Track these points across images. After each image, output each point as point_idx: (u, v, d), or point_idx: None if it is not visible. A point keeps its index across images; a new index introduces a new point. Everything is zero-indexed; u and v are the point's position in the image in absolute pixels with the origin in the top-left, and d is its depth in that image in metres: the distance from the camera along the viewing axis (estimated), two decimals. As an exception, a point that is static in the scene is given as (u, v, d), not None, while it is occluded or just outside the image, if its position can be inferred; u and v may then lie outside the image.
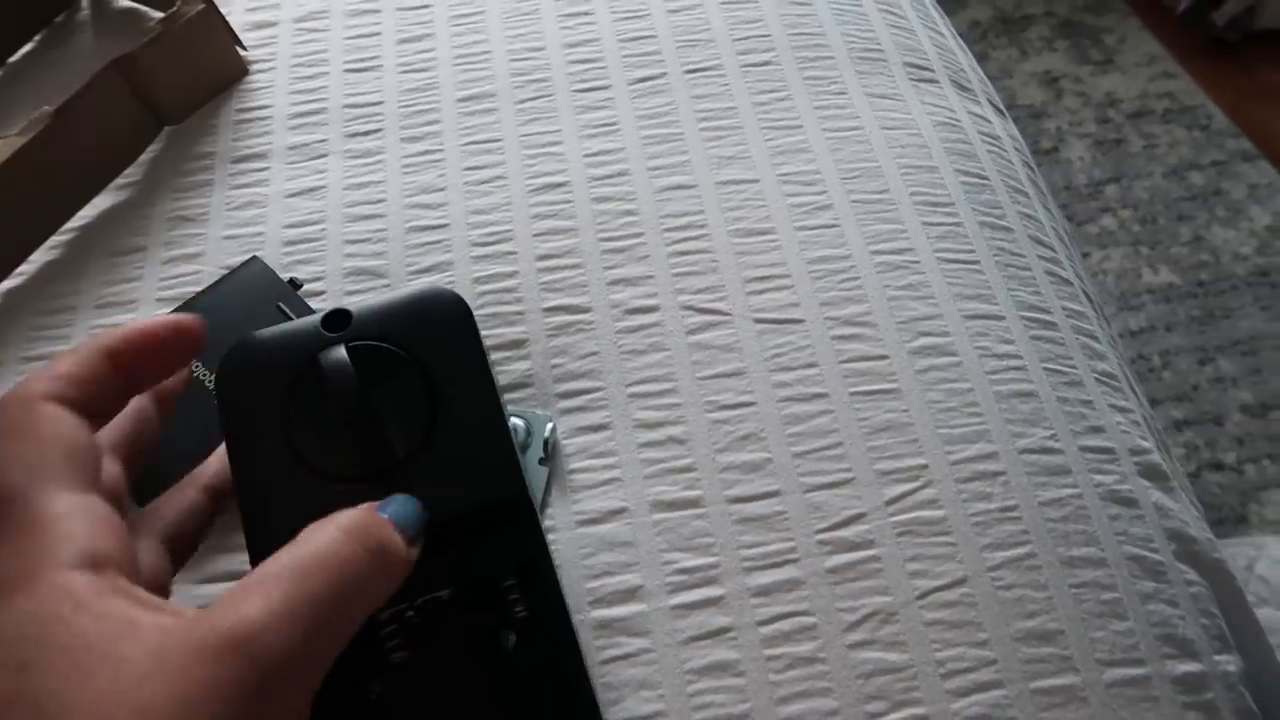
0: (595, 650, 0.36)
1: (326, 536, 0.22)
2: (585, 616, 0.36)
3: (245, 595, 0.20)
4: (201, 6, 0.51)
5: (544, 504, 0.38)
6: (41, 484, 0.21)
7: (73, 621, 0.19)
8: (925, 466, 0.39)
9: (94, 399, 0.24)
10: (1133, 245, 1.44)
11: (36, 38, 0.59)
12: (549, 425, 0.40)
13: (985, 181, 0.49)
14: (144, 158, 0.51)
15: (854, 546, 0.37)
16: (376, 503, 0.24)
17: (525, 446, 0.39)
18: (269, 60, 0.55)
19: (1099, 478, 0.40)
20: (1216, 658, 0.37)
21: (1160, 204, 1.49)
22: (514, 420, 0.39)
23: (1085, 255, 1.41)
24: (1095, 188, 1.52)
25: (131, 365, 0.25)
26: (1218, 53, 1.65)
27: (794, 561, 0.37)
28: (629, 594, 0.37)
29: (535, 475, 0.39)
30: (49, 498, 0.21)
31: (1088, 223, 1.46)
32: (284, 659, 0.19)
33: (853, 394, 0.41)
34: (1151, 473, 0.41)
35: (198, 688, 0.19)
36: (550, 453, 0.39)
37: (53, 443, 0.22)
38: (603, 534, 0.38)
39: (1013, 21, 1.76)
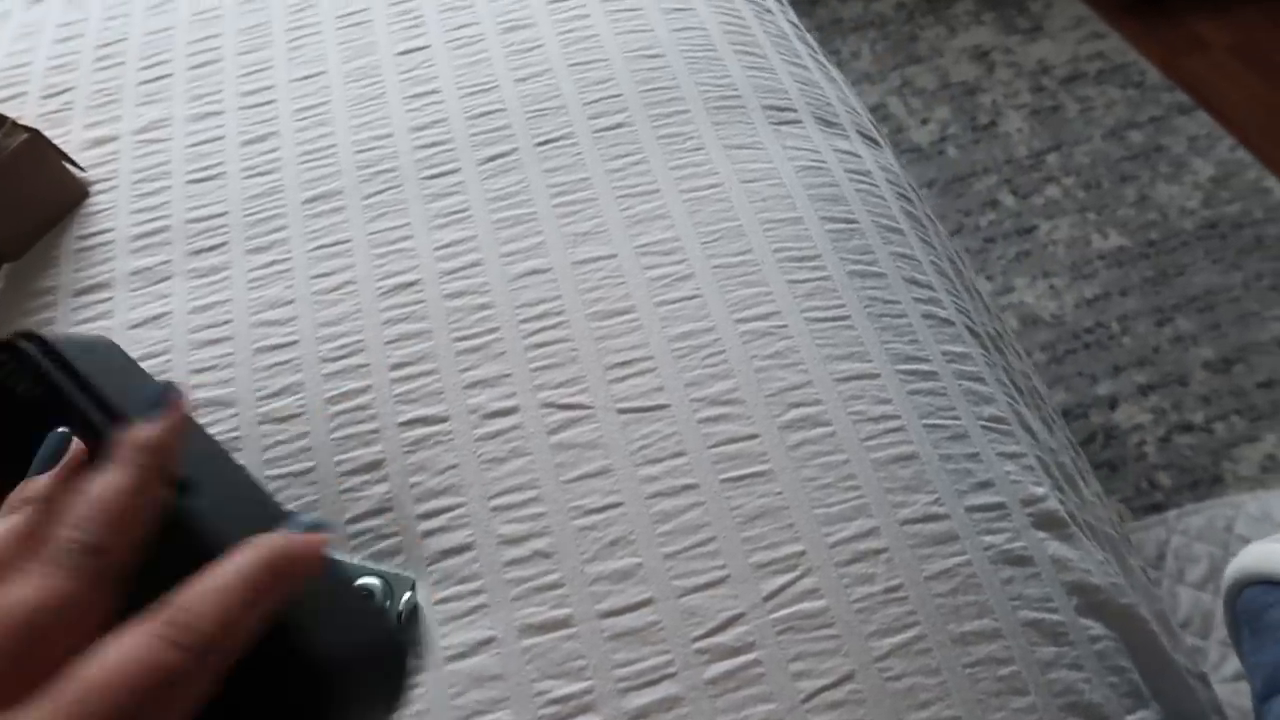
0: (468, 800, 0.34)
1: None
2: (456, 763, 0.34)
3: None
4: (25, 136, 0.49)
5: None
6: None
7: None
8: (803, 553, 0.37)
9: None
10: (1080, 212, 1.42)
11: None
12: (407, 593, 0.37)
13: (854, 225, 0.47)
14: (-17, 302, 0.49)
15: (733, 652, 0.35)
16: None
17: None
18: (110, 179, 0.53)
19: (989, 539, 0.38)
20: (1129, 717, 0.35)
21: (1102, 167, 1.47)
22: (370, 580, 0.37)
23: (1033, 228, 1.39)
24: (1037, 158, 1.51)
25: None
26: (1143, 8, 1.64)
27: (671, 676, 0.35)
28: (500, 734, 0.35)
29: None
30: None
31: (1033, 194, 1.45)
32: None
33: (723, 480, 0.39)
34: (1047, 522, 0.39)
35: None
36: (406, 622, 0.37)
37: None
38: (471, 669, 0.36)
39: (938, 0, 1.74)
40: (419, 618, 0.37)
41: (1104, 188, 1.48)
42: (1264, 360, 1.29)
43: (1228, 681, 0.89)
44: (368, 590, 0.36)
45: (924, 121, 1.62)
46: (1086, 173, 1.50)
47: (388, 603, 0.36)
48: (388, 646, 0.30)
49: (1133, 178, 1.48)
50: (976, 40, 1.74)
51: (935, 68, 1.70)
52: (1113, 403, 1.29)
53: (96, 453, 0.28)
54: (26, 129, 0.49)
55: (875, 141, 0.53)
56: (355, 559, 0.38)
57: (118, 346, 0.34)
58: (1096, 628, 0.37)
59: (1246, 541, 1.07)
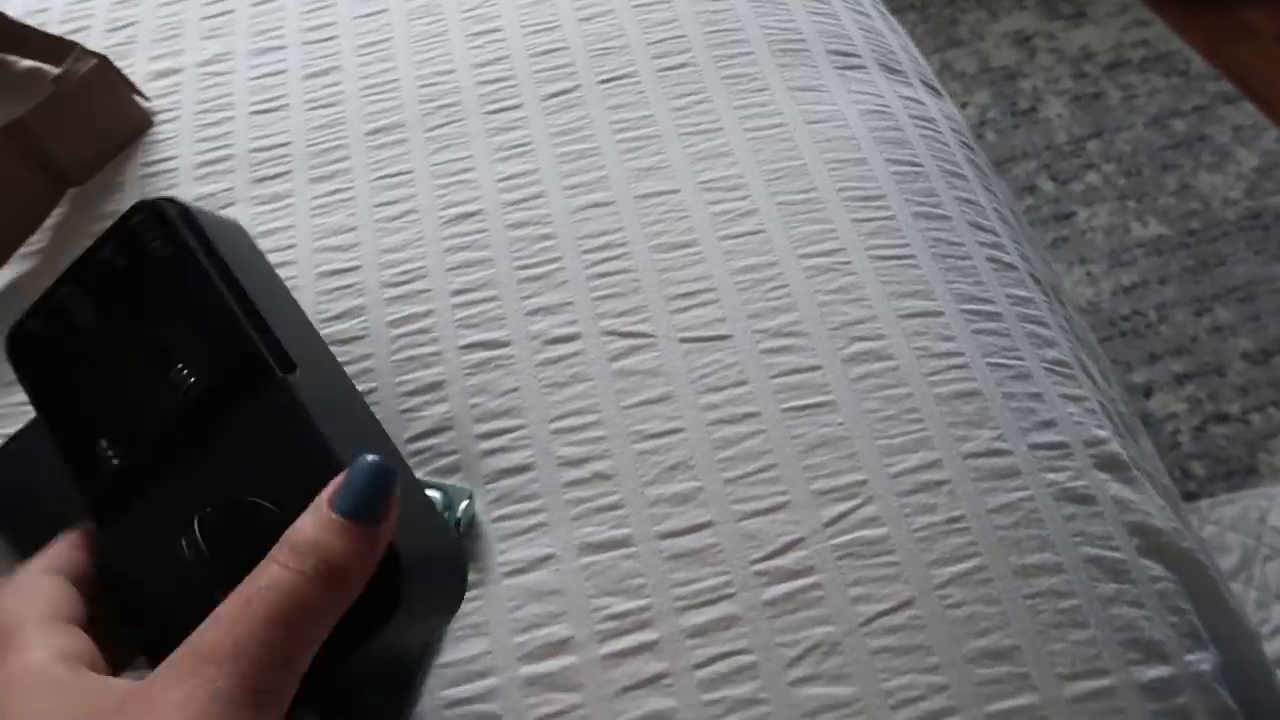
0: (526, 710, 0.34)
1: (272, 571, 0.24)
2: (514, 674, 0.34)
3: (195, 645, 0.23)
4: (94, 62, 0.50)
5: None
6: (22, 623, 0.25)
7: (49, 696, 0.23)
8: (864, 482, 0.37)
9: (77, 567, 0.28)
10: (1119, 200, 1.41)
11: (-59, 106, 0.57)
12: (465, 502, 0.37)
13: (919, 169, 0.46)
14: (49, 224, 0.50)
15: (793, 575, 0.35)
16: (331, 493, 0.25)
17: None
18: (173, 109, 0.53)
19: (1051, 476, 0.37)
20: (1188, 657, 0.35)
21: (1144, 155, 1.46)
22: (430, 494, 0.37)
23: (1071, 214, 1.38)
24: (1077, 144, 1.49)
25: None
26: (1189, -6, 1.62)
27: (730, 597, 0.35)
28: (558, 647, 0.35)
29: None
30: (27, 631, 0.25)
31: (1072, 180, 1.43)
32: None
33: (785, 410, 0.39)
34: (1109, 464, 0.39)
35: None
36: (464, 532, 0.37)
37: (35, 597, 0.26)
38: (530, 584, 0.36)
39: (981, -18, 1.72)
40: (476, 528, 0.37)
41: (1145, 176, 1.46)
42: (1304, 353, 1.27)
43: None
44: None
45: (963, 105, 1.60)
46: (1127, 160, 1.48)
47: (446, 513, 0.37)
48: (451, 550, 0.31)
49: (1174, 166, 1.46)
50: (1018, 25, 1.72)
51: (976, 51, 1.68)
52: (1148, 391, 1.28)
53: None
54: (95, 55, 0.50)
55: (937, 90, 0.53)
56: (418, 474, 0.38)
57: (246, 233, 0.36)
58: (1157, 569, 0.37)
59: None
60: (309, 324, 0.34)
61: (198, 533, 0.28)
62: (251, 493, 0.28)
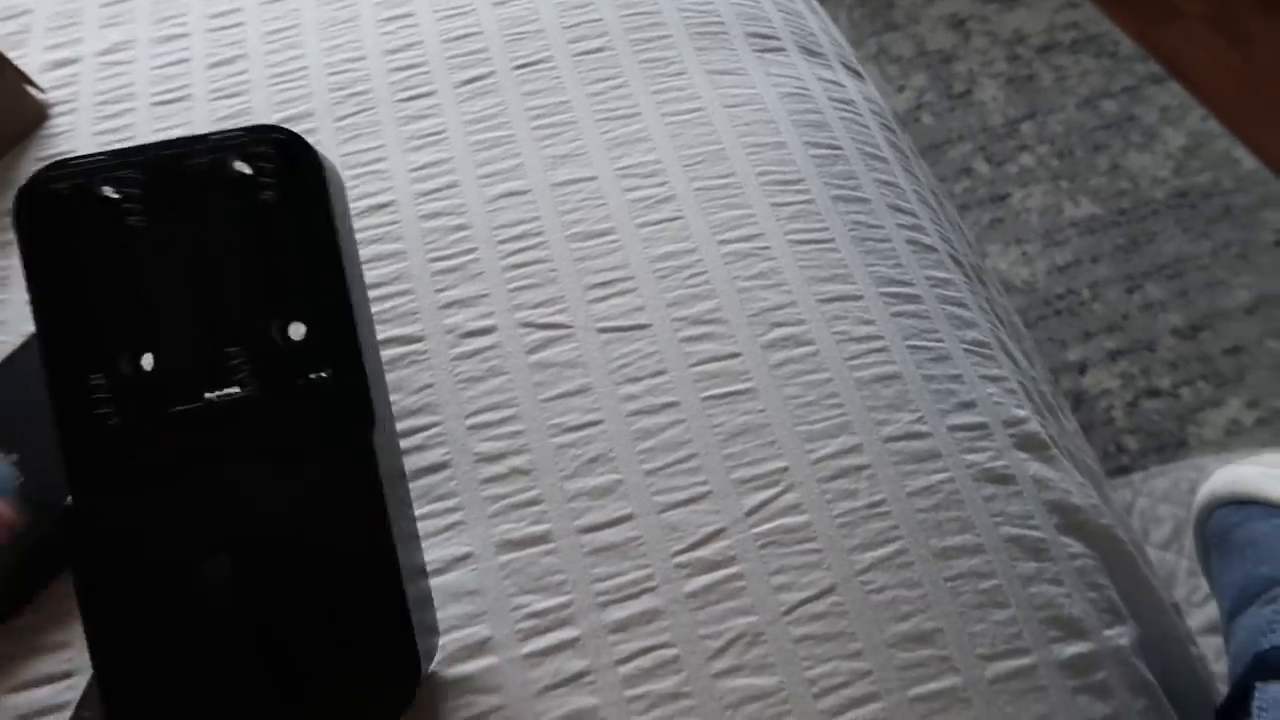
0: (447, 714, 0.33)
1: None
2: (435, 677, 0.34)
3: None
4: (-18, 53, 0.47)
5: None
6: None
7: None
8: (785, 469, 0.36)
9: None
10: (1053, 180, 1.43)
11: None
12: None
13: (838, 151, 0.46)
14: (-61, 223, 0.47)
15: (714, 566, 0.35)
16: None
17: None
18: (71, 101, 0.51)
19: (971, 457, 0.37)
20: (1107, 632, 0.35)
21: (1076, 136, 1.48)
22: None
23: (1006, 196, 1.40)
24: (1011, 126, 1.51)
25: None
26: (1116, -24, 1.64)
27: (651, 590, 0.34)
28: (478, 648, 0.34)
29: None
30: None
31: (1007, 162, 1.45)
32: None
33: (705, 399, 0.38)
34: (1029, 443, 0.39)
35: None
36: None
37: None
38: (448, 585, 0.35)
39: (914, -35, 1.73)
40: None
41: (1077, 156, 1.48)
42: (1230, 327, 1.30)
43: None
44: None
45: (900, 89, 1.61)
46: (1060, 141, 1.50)
47: None
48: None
49: (1105, 147, 1.48)
50: (953, 8, 1.73)
51: (912, 35, 1.69)
52: (1082, 368, 1.30)
53: None
54: (-17, 46, 0.48)
55: (858, 73, 0.53)
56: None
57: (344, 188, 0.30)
58: (1076, 546, 0.37)
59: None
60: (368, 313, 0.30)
61: (229, 559, 0.26)
62: (293, 537, 0.26)
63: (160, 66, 0.51)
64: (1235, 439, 1.18)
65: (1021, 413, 0.40)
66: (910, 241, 0.44)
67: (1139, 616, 0.38)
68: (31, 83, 0.50)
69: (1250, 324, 1.31)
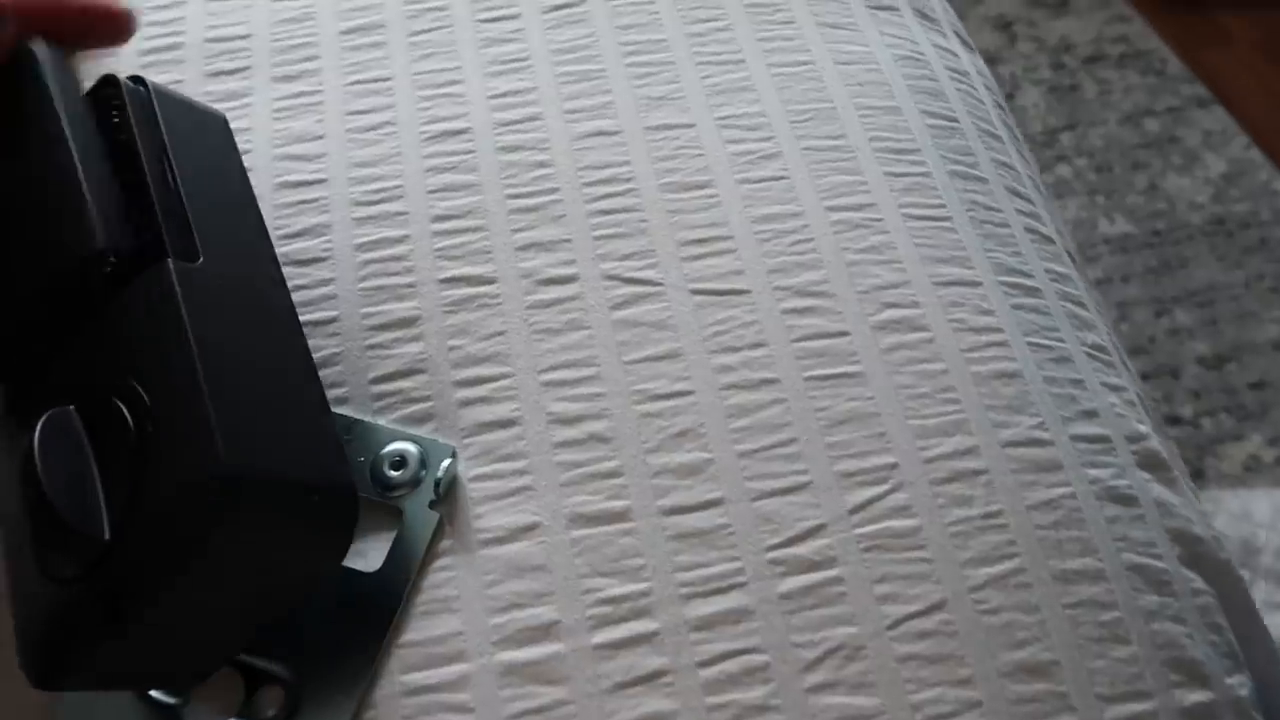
0: (501, 703, 0.29)
1: None
2: (489, 660, 0.30)
3: None
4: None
5: (426, 559, 0.31)
6: None
7: None
8: (895, 466, 0.33)
9: None
10: (1089, 195, 1.39)
11: None
12: (446, 461, 0.32)
13: (955, 124, 0.42)
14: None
15: (812, 566, 0.31)
16: None
17: (416, 481, 0.32)
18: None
19: (1094, 472, 0.34)
20: (1228, 680, 0.32)
21: (1115, 152, 1.45)
22: (404, 446, 0.32)
23: (1041, 206, 1.37)
24: (1050, 135, 1.47)
25: None
26: (1171, -5, 1.61)
27: (741, 586, 0.31)
28: (542, 631, 0.30)
29: (422, 521, 0.31)
30: None
31: (1044, 172, 1.41)
32: None
33: (808, 379, 0.34)
34: (1151, 462, 0.35)
35: None
36: (443, 495, 0.32)
37: None
38: (510, 556, 0.31)
39: (965, -38, 1.69)
40: (456, 492, 0.32)
41: (1115, 173, 1.45)
42: (1257, 360, 1.27)
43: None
44: (399, 456, 0.32)
45: (941, 86, 1.56)
46: (1099, 155, 1.47)
47: (423, 472, 0.32)
48: (339, 480, 0.27)
49: (1144, 166, 1.45)
50: (1001, 10, 1.69)
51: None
52: (1103, 388, 1.26)
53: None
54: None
55: (969, 45, 0.49)
56: (384, 421, 0.33)
57: (226, 131, 0.34)
58: (1198, 581, 0.34)
59: (1225, 538, 1.06)
60: (260, 233, 0.32)
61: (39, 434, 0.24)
62: (113, 385, 0.25)
63: (216, -41, 0.47)
64: (1254, 475, 1.15)
65: (1143, 428, 0.36)
66: (1029, 230, 0.40)
67: (1251, 663, 0.35)
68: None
69: (1278, 359, 1.29)
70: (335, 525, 0.28)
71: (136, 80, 0.31)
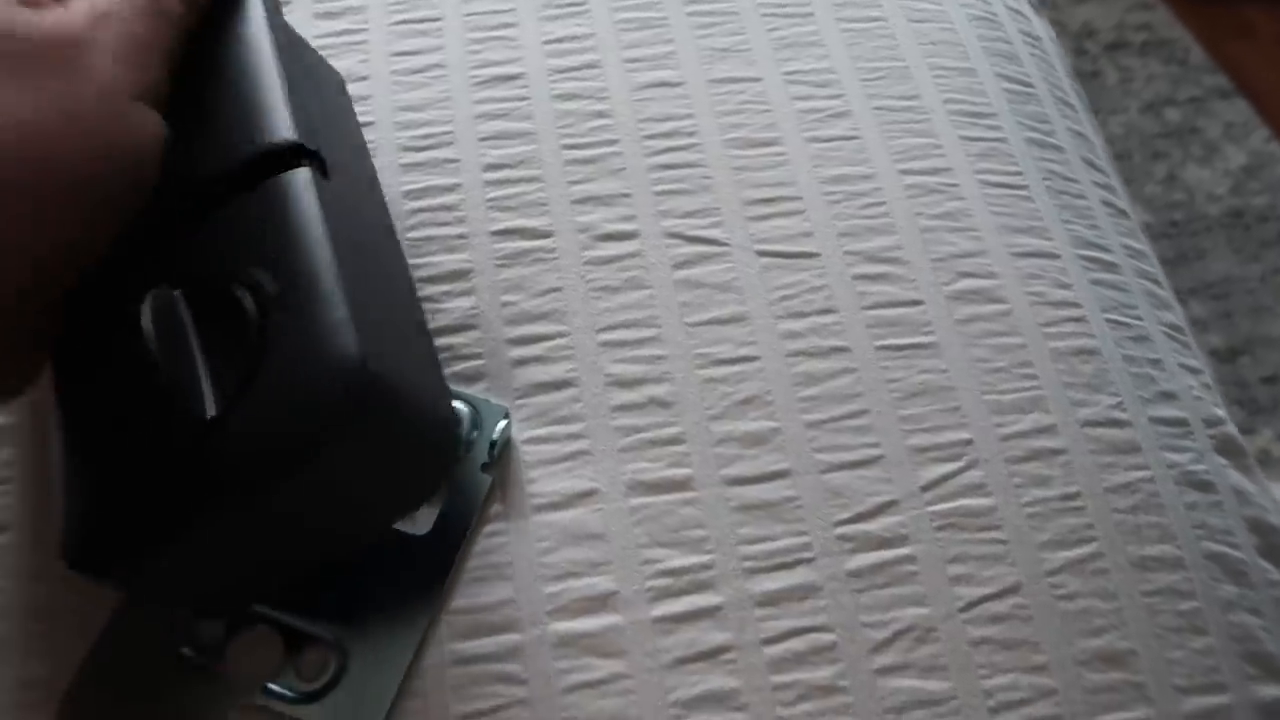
0: (556, 675, 0.28)
1: None
2: (543, 630, 0.28)
3: None
4: None
5: (477, 524, 0.30)
6: None
7: None
8: (970, 442, 0.31)
9: None
10: (1106, 182, 1.38)
11: None
12: (501, 423, 0.30)
13: (1030, 90, 0.40)
14: None
15: (883, 543, 0.30)
16: None
17: (469, 444, 0.30)
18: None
19: (1173, 456, 0.32)
20: (1302, 676, 0.31)
21: (1135, 140, 1.43)
22: (458, 405, 0.30)
23: (1060, 191, 1.35)
24: (1070, 121, 1.45)
25: None
26: (1195, -19, 1.58)
27: (808, 562, 0.29)
28: (599, 602, 0.29)
29: (474, 484, 0.30)
30: None
31: (1061, 157, 1.40)
32: None
33: (880, 348, 0.33)
34: (1229, 448, 0.34)
35: None
36: (497, 457, 0.30)
37: None
38: (566, 523, 0.30)
39: (992, -60, 1.65)
40: (510, 454, 0.30)
41: (1134, 161, 1.43)
42: (1270, 355, 1.26)
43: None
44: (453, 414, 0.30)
45: (961, 68, 1.54)
46: (1119, 143, 1.45)
47: (475, 433, 0.30)
48: (444, 415, 0.26)
49: (1164, 155, 1.43)
50: (1024, -8, 1.64)
51: (979, 14, 1.60)
52: (1114, 378, 1.25)
53: None
54: None
55: (1039, 11, 0.47)
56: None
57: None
58: (1274, 573, 0.32)
59: None
60: (374, 182, 0.32)
61: (148, 310, 0.22)
62: (235, 273, 0.24)
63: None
64: (1265, 469, 1.15)
65: (1220, 412, 0.35)
66: (1105, 203, 0.38)
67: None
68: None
69: (1291, 355, 1.27)
70: (438, 457, 0.27)
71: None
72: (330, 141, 0.28)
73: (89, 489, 0.23)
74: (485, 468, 0.30)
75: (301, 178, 0.25)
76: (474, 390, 0.32)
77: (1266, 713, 0.29)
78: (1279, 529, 0.34)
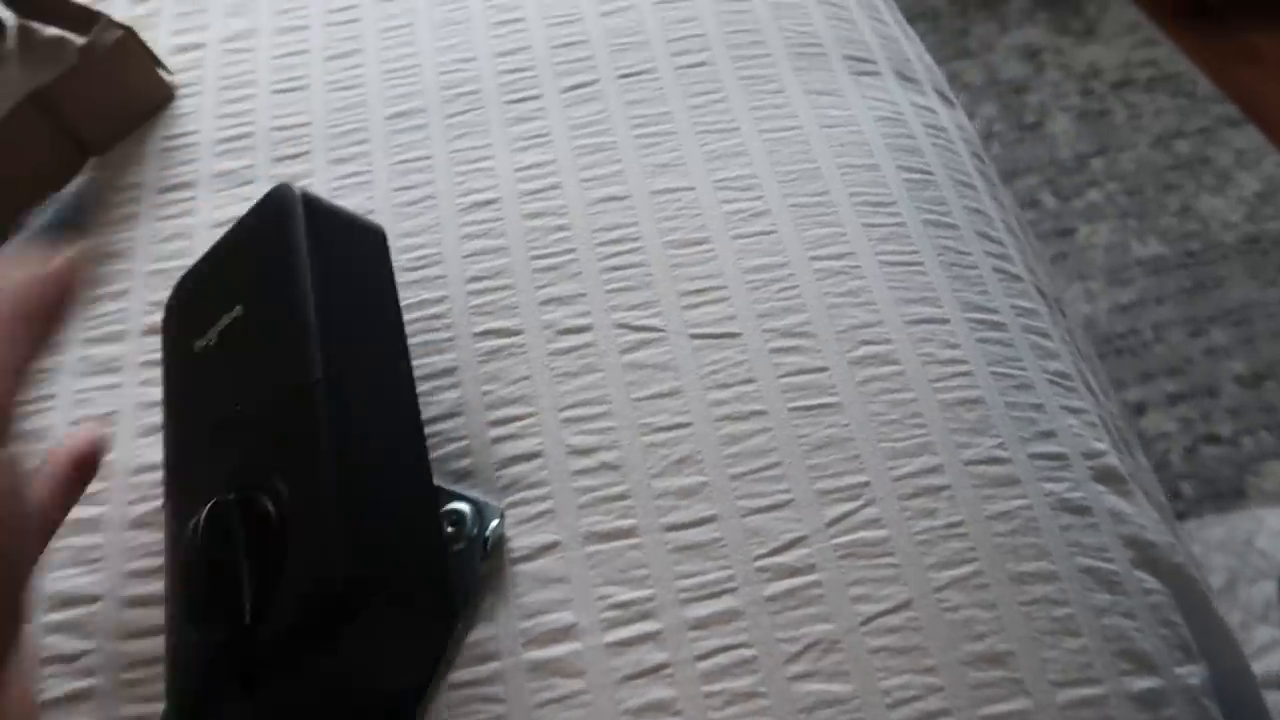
0: (529, 694, 0.34)
1: None
2: (519, 659, 0.35)
3: None
4: (120, 33, 0.50)
5: (475, 613, 0.36)
6: None
7: None
8: (867, 484, 0.37)
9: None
10: (1120, 218, 1.41)
11: (-40, 71, 0.57)
12: (495, 521, 0.37)
13: (930, 177, 0.47)
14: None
15: (794, 572, 0.36)
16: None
17: (469, 539, 0.36)
18: (195, 84, 0.53)
19: (1050, 486, 0.38)
20: (1178, 670, 0.36)
21: (1147, 174, 1.46)
22: (460, 505, 0.37)
23: (1072, 230, 1.39)
24: (1081, 161, 1.50)
25: None
26: (1198, 17, 1.62)
27: (732, 591, 0.36)
28: (563, 632, 0.35)
29: (467, 572, 0.36)
30: None
31: (1074, 197, 1.44)
32: None
33: (792, 409, 0.39)
34: (1106, 476, 0.40)
35: None
36: (490, 552, 0.37)
37: None
38: (535, 571, 0.37)
39: (993, -6, 1.73)
40: (502, 549, 0.37)
41: (1147, 195, 1.47)
42: (1295, 378, 1.28)
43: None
44: (457, 515, 0.37)
45: (970, 117, 1.60)
46: (1130, 179, 1.49)
47: (475, 530, 0.37)
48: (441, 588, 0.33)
49: (1176, 187, 1.47)
50: (1028, 39, 1.72)
51: (984, 64, 1.69)
52: (1140, 409, 1.29)
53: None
54: (121, 26, 0.50)
55: (950, 100, 0.53)
56: (443, 484, 0.38)
57: (378, 240, 0.40)
58: (1150, 581, 0.38)
59: (1265, 556, 1.06)
60: (400, 343, 0.38)
61: (202, 519, 0.30)
62: (262, 479, 0.31)
63: (281, 56, 0.54)
64: (1298, 493, 1.16)
65: (1100, 446, 0.40)
66: (996, 270, 0.45)
67: (1210, 656, 0.38)
68: (162, 64, 0.53)
69: (1316, 377, 1.29)
70: (434, 622, 0.34)
71: (291, 191, 0.36)
72: (354, 325, 0.35)
73: (180, 659, 0.32)
74: (481, 560, 0.36)
75: (317, 394, 0.32)
76: (460, 467, 0.39)
77: (1140, 701, 0.35)
78: (1155, 543, 0.39)
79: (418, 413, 0.37)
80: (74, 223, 0.29)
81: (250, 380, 0.33)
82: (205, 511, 0.30)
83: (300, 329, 0.32)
